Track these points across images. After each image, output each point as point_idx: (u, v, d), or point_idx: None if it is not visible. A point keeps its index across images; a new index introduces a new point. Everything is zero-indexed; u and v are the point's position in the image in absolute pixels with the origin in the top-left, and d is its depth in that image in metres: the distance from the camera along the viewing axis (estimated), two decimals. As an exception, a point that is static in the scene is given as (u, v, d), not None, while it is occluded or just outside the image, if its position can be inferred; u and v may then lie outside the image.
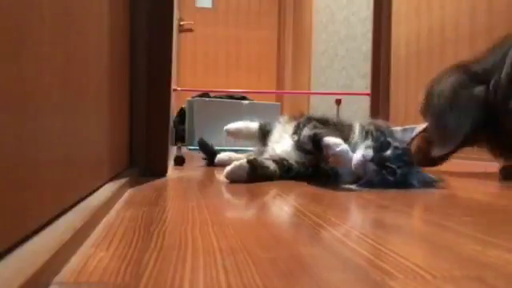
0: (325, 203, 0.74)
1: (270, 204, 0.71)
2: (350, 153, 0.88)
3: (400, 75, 2.74)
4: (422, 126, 1.01)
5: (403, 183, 0.93)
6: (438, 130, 1.31)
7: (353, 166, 0.91)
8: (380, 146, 0.93)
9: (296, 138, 1.04)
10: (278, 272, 0.36)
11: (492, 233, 0.52)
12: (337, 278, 0.35)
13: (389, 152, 0.92)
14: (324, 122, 1.04)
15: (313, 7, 4.17)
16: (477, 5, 2.07)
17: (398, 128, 1.01)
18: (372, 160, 0.91)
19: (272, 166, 1.01)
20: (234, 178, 0.96)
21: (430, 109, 1.37)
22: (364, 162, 0.91)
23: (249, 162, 0.96)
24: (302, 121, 1.08)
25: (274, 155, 1.08)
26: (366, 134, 0.96)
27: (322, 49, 4.00)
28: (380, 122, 1.03)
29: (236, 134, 1.39)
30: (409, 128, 1.00)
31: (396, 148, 0.93)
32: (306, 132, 0.99)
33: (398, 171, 0.91)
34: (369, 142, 0.94)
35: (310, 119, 1.06)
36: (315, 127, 0.99)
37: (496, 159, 1.34)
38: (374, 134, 0.95)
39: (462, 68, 1.31)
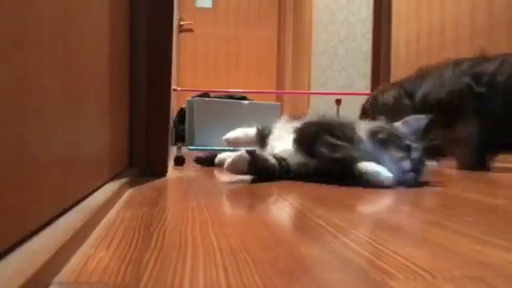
0: (325, 203, 0.74)
1: (271, 204, 0.71)
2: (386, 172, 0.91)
3: (400, 75, 2.73)
4: (425, 117, 1.02)
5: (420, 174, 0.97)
6: None
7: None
8: (408, 153, 0.95)
9: (295, 146, 1.04)
10: (278, 272, 0.36)
11: (492, 233, 0.52)
12: (337, 278, 0.35)
13: (415, 154, 0.95)
14: (332, 127, 1.02)
15: (313, 7, 4.17)
16: (477, 5, 2.07)
17: (399, 124, 1.03)
18: (411, 170, 0.94)
19: (272, 160, 1.02)
20: (234, 170, 0.97)
21: (375, 116, 1.63)
22: (406, 175, 0.94)
23: (248, 152, 0.97)
24: (296, 127, 1.08)
25: (275, 154, 1.08)
26: (383, 143, 0.96)
27: (322, 49, 4.00)
28: (385, 125, 1.01)
29: (235, 143, 1.42)
30: (409, 120, 1.02)
31: (416, 149, 0.96)
32: (323, 151, 0.97)
33: (421, 166, 0.96)
34: (395, 154, 0.95)
35: (319, 130, 1.01)
36: (333, 144, 0.97)
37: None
38: (394, 141, 0.96)
39: (399, 84, 1.76)
